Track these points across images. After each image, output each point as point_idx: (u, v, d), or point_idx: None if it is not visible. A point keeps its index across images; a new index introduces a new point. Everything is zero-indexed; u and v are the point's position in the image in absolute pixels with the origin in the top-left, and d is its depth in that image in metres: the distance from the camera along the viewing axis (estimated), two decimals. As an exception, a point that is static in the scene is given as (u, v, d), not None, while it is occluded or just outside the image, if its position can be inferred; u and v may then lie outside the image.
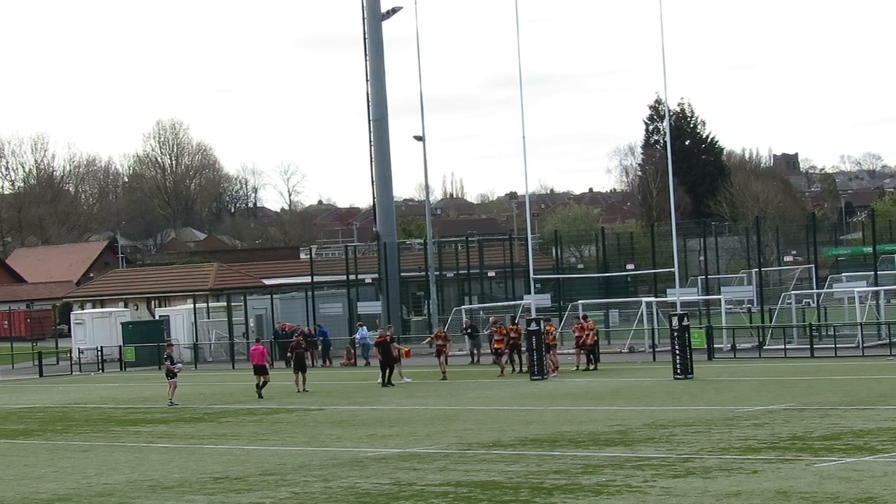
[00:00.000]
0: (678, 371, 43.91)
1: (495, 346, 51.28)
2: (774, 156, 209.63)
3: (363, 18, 76.23)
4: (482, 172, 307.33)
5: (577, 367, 50.72)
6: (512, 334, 50.50)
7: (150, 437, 34.32)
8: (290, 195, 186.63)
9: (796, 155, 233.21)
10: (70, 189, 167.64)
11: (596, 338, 51.62)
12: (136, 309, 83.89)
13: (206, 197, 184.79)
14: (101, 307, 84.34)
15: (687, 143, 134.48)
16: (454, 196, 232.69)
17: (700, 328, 54.45)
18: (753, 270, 70.07)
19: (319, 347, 64.24)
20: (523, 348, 49.64)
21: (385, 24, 76.29)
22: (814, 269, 69.37)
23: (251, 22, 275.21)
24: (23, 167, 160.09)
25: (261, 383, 45.87)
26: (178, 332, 73.00)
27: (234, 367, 66.72)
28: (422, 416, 35.88)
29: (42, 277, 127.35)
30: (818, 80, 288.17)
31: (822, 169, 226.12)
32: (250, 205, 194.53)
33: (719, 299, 61.12)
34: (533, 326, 47.36)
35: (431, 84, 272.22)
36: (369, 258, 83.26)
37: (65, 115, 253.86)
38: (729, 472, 22.55)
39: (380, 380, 47.89)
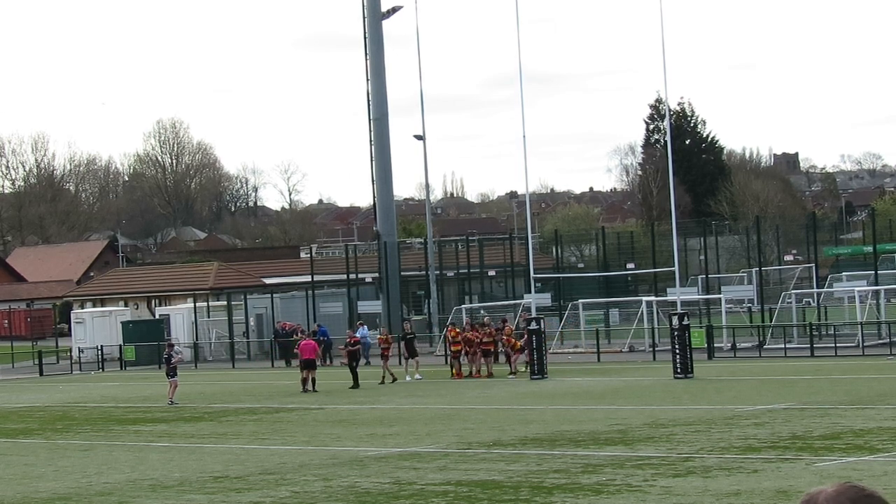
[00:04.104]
0: (678, 370, 43.90)
1: (454, 347, 51.10)
2: (774, 155, 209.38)
3: (363, 18, 76.23)
4: (482, 172, 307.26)
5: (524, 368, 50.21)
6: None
7: (150, 436, 34.32)
8: (290, 194, 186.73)
9: (796, 154, 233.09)
10: (70, 188, 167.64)
11: (494, 347, 51.01)
12: (137, 308, 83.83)
13: (207, 196, 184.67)
14: (102, 306, 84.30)
15: (687, 142, 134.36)
16: (454, 195, 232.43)
17: (700, 327, 54.43)
18: (754, 270, 70.05)
19: (321, 347, 64.21)
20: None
21: (385, 24, 76.36)
22: (814, 268, 69.36)
23: (251, 22, 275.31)
24: (23, 166, 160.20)
25: (309, 378, 46.01)
26: (179, 332, 72.97)
27: (234, 367, 66.69)
28: (422, 415, 35.87)
29: (42, 276, 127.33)
30: (818, 80, 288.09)
31: (823, 168, 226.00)
32: (250, 204, 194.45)
33: (719, 298, 61.13)
34: (533, 325, 47.36)
35: (431, 84, 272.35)
36: (369, 257, 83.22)
37: (65, 114, 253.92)
38: (729, 471, 22.55)
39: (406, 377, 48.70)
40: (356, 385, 47.26)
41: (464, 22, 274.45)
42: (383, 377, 48.49)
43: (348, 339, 50.71)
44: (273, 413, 39.14)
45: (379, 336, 52.28)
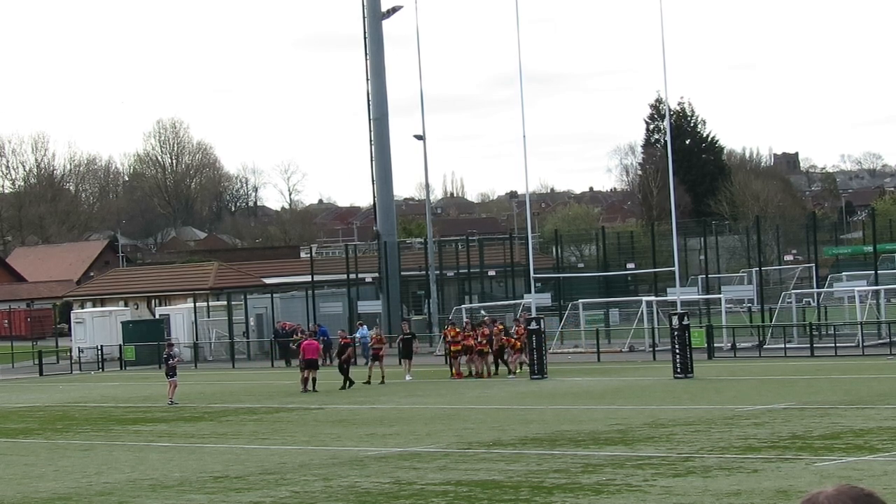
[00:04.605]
0: (678, 370, 43.89)
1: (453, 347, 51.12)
2: (775, 155, 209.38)
3: (363, 18, 76.25)
4: (482, 172, 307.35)
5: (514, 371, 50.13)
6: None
7: (150, 436, 34.31)
8: (290, 194, 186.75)
9: (797, 154, 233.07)
10: (70, 188, 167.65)
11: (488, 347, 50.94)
12: (137, 308, 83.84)
13: (207, 196, 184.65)
14: (102, 306, 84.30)
15: (687, 142, 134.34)
16: (454, 195, 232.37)
17: (700, 327, 54.44)
18: (754, 270, 70.07)
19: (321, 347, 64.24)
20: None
21: (385, 24, 76.38)
22: (814, 268, 69.39)
23: (251, 22, 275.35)
24: (23, 166, 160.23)
25: (310, 377, 45.99)
26: (179, 332, 72.98)
27: (234, 367, 66.69)
28: (422, 415, 35.87)
29: (42, 276, 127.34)
30: (818, 80, 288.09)
31: (823, 168, 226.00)
32: (250, 204, 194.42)
33: (719, 298, 61.13)
34: (533, 325, 47.38)
35: (432, 84, 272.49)
36: (369, 257, 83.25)
37: (65, 114, 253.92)
38: (729, 471, 22.55)
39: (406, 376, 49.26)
40: (345, 385, 47.17)
41: (464, 22, 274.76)
42: (383, 377, 48.40)
43: (339, 341, 50.75)
44: (273, 413, 39.13)
45: (372, 336, 52.23)
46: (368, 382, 48.03)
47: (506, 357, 50.65)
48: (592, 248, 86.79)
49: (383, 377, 48.33)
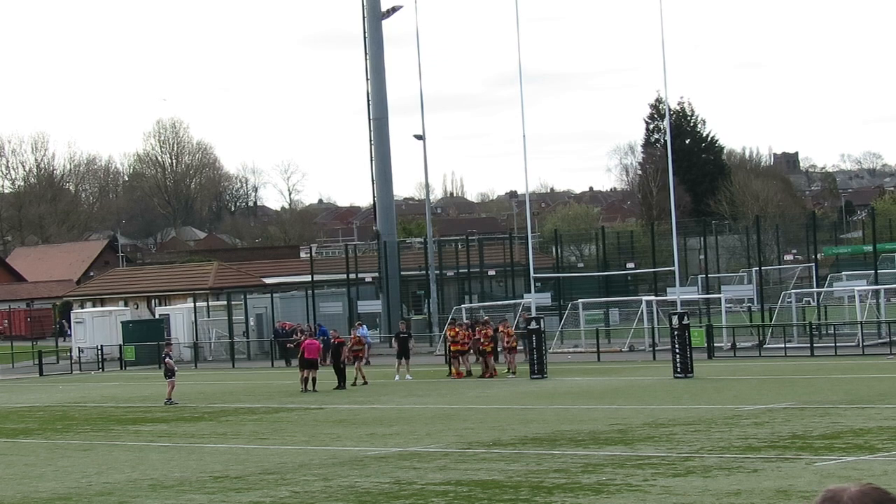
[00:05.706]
0: (678, 370, 43.89)
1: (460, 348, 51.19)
2: (774, 154, 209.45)
3: (363, 17, 76.23)
4: (482, 171, 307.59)
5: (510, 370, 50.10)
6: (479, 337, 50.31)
7: (150, 436, 34.29)
8: (290, 194, 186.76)
9: (796, 154, 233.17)
10: (70, 188, 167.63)
11: (493, 344, 50.92)
12: (136, 308, 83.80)
13: (207, 196, 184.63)
14: (102, 306, 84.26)
15: (687, 141, 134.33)
16: (454, 195, 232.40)
17: (700, 327, 54.42)
18: (753, 269, 70.07)
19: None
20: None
21: (387, 22, 76.38)
22: (814, 267, 69.37)
23: (251, 21, 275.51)
24: (23, 166, 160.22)
25: (309, 377, 46.00)
26: (178, 331, 72.97)
27: (234, 367, 66.66)
28: (422, 415, 35.86)
29: (42, 276, 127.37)
30: (818, 80, 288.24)
31: (823, 168, 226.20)
32: (250, 204, 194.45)
33: (719, 298, 61.12)
34: (533, 325, 47.37)
35: (434, 83, 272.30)
36: (369, 257, 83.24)
37: (65, 114, 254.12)
38: (729, 470, 22.54)
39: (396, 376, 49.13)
40: (341, 385, 47.16)
41: (467, 20, 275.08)
42: (355, 379, 48.29)
43: (332, 340, 50.70)
44: (273, 413, 39.12)
45: (352, 337, 52.05)
46: (366, 383, 48.06)
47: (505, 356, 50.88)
48: (592, 247, 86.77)
49: (364, 379, 48.31)
